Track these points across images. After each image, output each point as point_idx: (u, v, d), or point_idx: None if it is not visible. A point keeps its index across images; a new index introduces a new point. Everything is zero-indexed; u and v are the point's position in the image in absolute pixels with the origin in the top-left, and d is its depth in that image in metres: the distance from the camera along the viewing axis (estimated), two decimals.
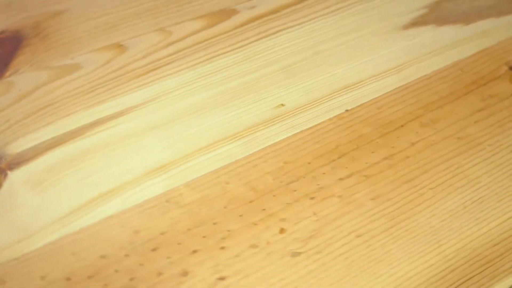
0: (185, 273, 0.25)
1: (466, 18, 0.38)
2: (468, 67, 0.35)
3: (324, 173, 0.29)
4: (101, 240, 0.25)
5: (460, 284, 0.26)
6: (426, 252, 0.26)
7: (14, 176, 0.28)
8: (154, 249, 0.26)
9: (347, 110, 0.32)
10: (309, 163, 0.30)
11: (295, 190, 0.28)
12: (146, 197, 0.27)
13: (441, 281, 0.26)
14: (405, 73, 0.34)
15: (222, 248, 0.26)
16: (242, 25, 0.36)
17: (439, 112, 0.33)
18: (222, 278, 0.25)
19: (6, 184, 0.27)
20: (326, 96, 0.33)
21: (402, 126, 0.32)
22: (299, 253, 0.26)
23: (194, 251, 0.26)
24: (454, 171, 0.30)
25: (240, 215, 0.27)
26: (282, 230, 0.27)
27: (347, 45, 0.37)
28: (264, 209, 0.28)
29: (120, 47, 0.34)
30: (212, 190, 0.28)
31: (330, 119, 0.32)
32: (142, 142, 0.30)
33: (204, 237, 0.27)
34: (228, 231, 0.27)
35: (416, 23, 0.38)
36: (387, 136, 0.31)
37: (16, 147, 0.29)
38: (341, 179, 0.29)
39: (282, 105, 0.32)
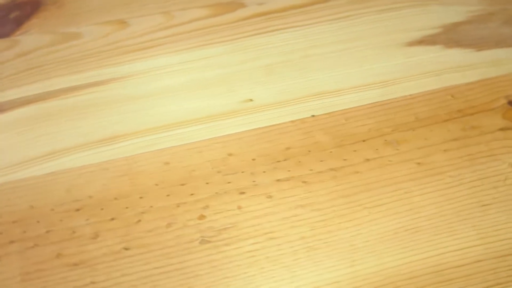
0: (95, 236, 0.27)
1: (481, 44, 0.38)
2: (460, 94, 0.33)
3: (264, 172, 0.29)
4: (36, 192, 0.28)
5: None
6: (336, 269, 0.26)
7: None
8: (77, 209, 0.28)
9: (313, 116, 0.32)
10: (253, 159, 0.30)
11: (229, 182, 0.29)
12: (90, 161, 0.31)
13: None
14: (389, 90, 0.33)
15: (138, 221, 0.27)
16: (244, 19, 0.42)
17: (409, 134, 0.34)
18: (127, 248, 0.27)
19: None
20: (297, 99, 0.33)
21: (364, 141, 0.31)
22: (208, 242, 0.26)
23: (112, 219, 0.28)
24: (400, 195, 0.29)
25: (168, 195, 0.28)
26: (201, 217, 0.27)
27: (339, 53, 0.39)
28: (192, 194, 0.29)
29: (123, 24, 0.38)
30: (151, 167, 0.30)
31: (292, 121, 0.32)
32: (107, 112, 0.34)
33: (126, 208, 0.28)
34: (151, 207, 0.28)
35: (423, 41, 0.37)
36: (343, 147, 0.30)
37: (0, 97, 0.33)
38: (278, 180, 0.29)
39: (251, 100, 0.33)
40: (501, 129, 0.33)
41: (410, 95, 0.35)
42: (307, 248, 0.28)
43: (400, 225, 0.28)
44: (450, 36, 0.40)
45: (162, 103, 0.35)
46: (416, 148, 0.32)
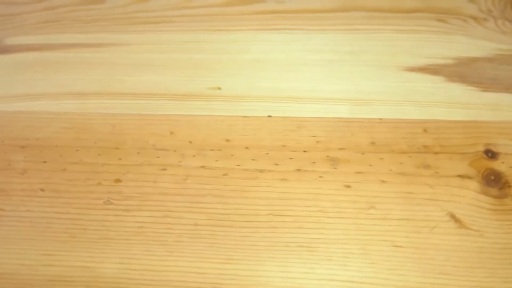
0: (24, 172, 0.34)
1: (488, 84, 0.37)
2: (436, 130, 0.32)
3: (193, 156, 0.31)
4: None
5: None
6: (210, 261, 0.30)
7: None
8: (22, 147, 0.34)
9: (269, 116, 0.32)
10: (190, 142, 0.33)
11: (157, 157, 0.31)
12: (53, 110, 0.38)
13: None
14: (362, 109, 0.34)
15: (64, 169, 0.32)
16: (256, 13, 0.45)
17: (355, 156, 0.34)
18: (42, 190, 0.33)
19: None
20: (264, 97, 0.35)
21: (305, 151, 0.31)
22: (111, 203, 0.29)
23: (44, 162, 0.32)
24: (312, 212, 0.29)
25: (99, 154, 0.32)
26: (117, 180, 0.30)
27: (334, 63, 0.40)
28: (120, 159, 0.32)
29: None
30: (99, 127, 0.37)
31: (245, 117, 0.33)
32: (90, 71, 0.41)
33: (60, 155, 0.33)
34: (80, 160, 0.32)
35: (426, 69, 0.36)
36: (281, 152, 0.32)
37: (12, 41, 0.39)
38: (202, 166, 0.30)
39: (219, 88, 0.34)
40: (460, 176, 0.30)
41: (381, 119, 0.34)
42: (194, 234, 0.28)
43: (293, 239, 0.27)
44: (458, 70, 0.37)
45: (140, 74, 0.38)
46: (353, 171, 0.31)
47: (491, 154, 0.33)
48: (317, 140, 0.35)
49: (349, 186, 0.32)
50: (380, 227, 0.29)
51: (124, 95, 0.39)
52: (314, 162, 0.33)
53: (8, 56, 0.42)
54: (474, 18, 0.44)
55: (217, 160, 0.34)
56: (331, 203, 0.31)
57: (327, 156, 0.33)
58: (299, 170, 0.33)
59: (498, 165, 0.32)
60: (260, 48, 0.41)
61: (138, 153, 0.35)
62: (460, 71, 0.39)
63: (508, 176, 0.32)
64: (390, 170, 0.32)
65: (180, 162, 0.34)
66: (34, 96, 0.39)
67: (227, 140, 0.35)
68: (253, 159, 0.34)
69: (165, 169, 0.34)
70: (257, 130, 0.36)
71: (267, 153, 0.34)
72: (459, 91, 0.37)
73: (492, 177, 0.32)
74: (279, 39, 0.42)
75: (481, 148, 0.33)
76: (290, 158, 0.34)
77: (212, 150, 0.35)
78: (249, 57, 0.41)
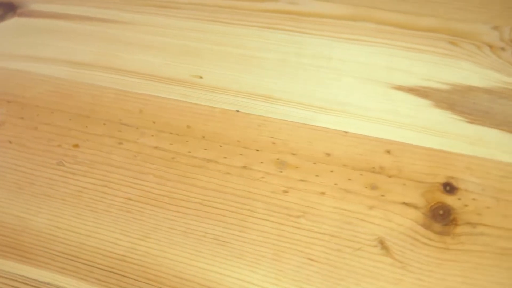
0: (1, 124, 0.35)
1: (478, 117, 0.37)
2: (399, 153, 0.32)
3: (152, 136, 0.34)
4: None
5: None
6: (114, 238, 0.33)
7: (16, 20, 0.42)
8: (8, 101, 0.39)
9: (237, 111, 0.34)
10: (153, 122, 0.35)
11: (119, 131, 0.34)
12: (44, 72, 0.42)
13: None
14: (329, 119, 0.37)
15: (35, 128, 0.36)
16: (265, 11, 0.47)
17: (305, 165, 0.34)
18: (10, 142, 0.38)
19: (6, 22, 0.42)
20: (239, 92, 0.38)
21: (257, 150, 0.33)
22: (63, 165, 0.33)
23: (21, 118, 0.36)
24: (232, 208, 0.33)
25: (70, 119, 0.36)
26: (76, 145, 0.34)
27: (323, 69, 0.41)
28: (87, 127, 0.35)
29: None
30: (80, 95, 0.41)
31: (213, 107, 0.36)
32: (89, 43, 0.44)
33: (37, 115, 0.38)
34: (52, 122, 0.36)
35: (416, 91, 0.36)
36: (234, 147, 0.33)
37: (37, 7, 0.44)
38: (156, 147, 0.33)
39: (200, 77, 0.37)
40: (405, 204, 0.30)
41: (346, 132, 0.34)
42: (123, 208, 0.30)
43: (212, 231, 0.28)
44: (451, 96, 0.36)
45: (134, 52, 0.42)
46: (297, 178, 0.32)
47: (449, 188, 0.31)
48: (273, 142, 0.35)
49: (286, 192, 0.32)
50: (301, 237, 0.29)
51: (113, 70, 0.42)
52: (262, 162, 0.34)
53: (28, 20, 0.47)
54: (491, 46, 0.42)
55: (171, 144, 0.36)
56: (262, 204, 0.31)
57: (277, 159, 0.34)
58: (244, 167, 0.34)
59: (452, 201, 0.31)
60: (255, 45, 0.43)
61: (104, 124, 0.38)
62: (451, 98, 0.37)
63: (459, 214, 0.30)
64: (335, 184, 0.32)
65: (138, 139, 0.36)
66: (35, 59, 0.43)
67: (188, 127, 0.37)
68: (205, 149, 0.35)
69: (121, 143, 0.36)
70: (219, 122, 0.37)
71: (220, 146, 0.35)
72: (442, 118, 0.36)
73: (441, 212, 0.30)
74: (277, 39, 0.43)
75: (441, 180, 0.32)
76: (241, 154, 0.34)
77: (170, 133, 0.36)
78: (241, 52, 0.42)
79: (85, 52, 0.45)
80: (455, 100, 0.38)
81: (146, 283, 0.29)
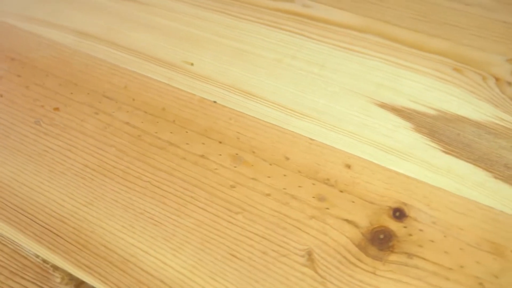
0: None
1: (456, 148, 0.36)
2: (359, 169, 0.33)
3: (119, 107, 0.36)
4: (4, 36, 0.41)
5: None
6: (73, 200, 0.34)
7: None
8: (12, 59, 0.43)
9: (214, 102, 0.36)
10: (133, 99, 0.37)
11: (99, 102, 0.37)
12: (52, 38, 0.46)
13: None
14: (300, 123, 0.38)
15: (27, 87, 0.38)
16: (277, 10, 0.49)
17: (261, 164, 0.35)
18: (1, 96, 0.41)
19: None
20: (223, 84, 0.40)
21: (220, 142, 0.34)
22: (39, 125, 0.36)
23: (18, 75, 0.39)
24: (179, 194, 0.34)
25: (60, 84, 0.39)
26: (56, 109, 0.36)
27: (308, 74, 0.41)
28: (72, 93, 0.38)
29: None
30: (76, 64, 0.44)
31: (193, 95, 0.38)
32: (100, 16, 0.47)
33: (33, 76, 0.39)
34: (44, 84, 0.39)
35: (400, 111, 0.37)
36: (195, 135, 0.35)
37: None
38: (127, 123, 0.35)
39: (192, 64, 0.39)
40: (347, 221, 0.30)
41: (312, 139, 0.34)
42: (78, 173, 0.33)
43: (150, 210, 0.30)
44: (434, 123, 0.36)
45: (138, 31, 0.46)
46: (248, 176, 0.33)
47: (398, 214, 0.31)
48: (238, 137, 0.36)
49: (234, 187, 0.32)
50: (232, 233, 0.30)
51: (113, 45, 0.44)
52: (220, 155, 0.34)
53: None
54: (497, 79, 0.40)
55: (142, 122, 0.37)
56: (206, 194, 0.32)
57: (236, 154, 0.34)
58: (202, 156, 0.34)
59: (397, 227, 0.30)
60: (255, 42, 0.44)
61: (88, 94, 0.40)
62: (435, 125, 0.36)
63: (399, 242, 0.29)
64: (284, 188, 0.32)
65: (113, 112, 0.38)
66: (47, 24, 0.47)
67: (163, 109, 0.38)
68: (171, 132, 0.36)
69: (97, 114, 0.38)
70: (193, 109, 0.38)
71: (186, 132, 0.36)
72: (416, 143, 0.35)
73: (381, 236, 0.30)
74: (279, 39, 0.44)
75: (393, 204, 0.31)
76: (203, 143, 0.35)
77: (145, 112, 0.38)
78: (239, 47, 0.43)
79: (93, 25, 0.47)
80: (438, 127, 0.36)
81: (75, 246, 0.31)
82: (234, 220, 0.32)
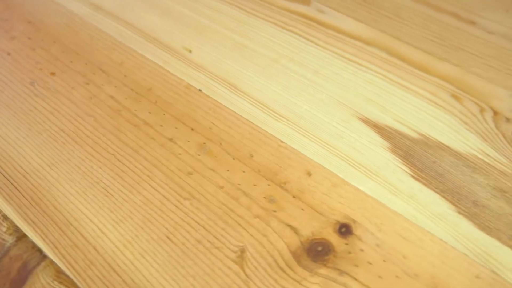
0: (12, 38, 0.44)
1: (427, 176, 0.35)
2: (318, 178, 0.35)
3: (115, 86, 0.38)
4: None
5: None
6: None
7: None
8: (29, 22, 0.43)
9: (200, 90, 0.37)
10: (124, 76, 0.39)
11: (93, 74, 0.40)
12: (72, 9, 0.48)
13: None
14: (275, 124, 0.40)
15: (33, 49, 0.41)
16: (290, 11, 0.49)
17: (223, 156, 0.36)
18: (9, 54, 0.44)
19: None
20: (214, 75, 0.42)
21: (192, 129, 0.35)
22: (33, 86, 0.38)
23: (29, 38, 0.41)
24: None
25: (63, 51, 0.41)
26: (53, 73, 0.39)
27: (301, 78, 0.42)
28: (71, 62, 0.40)
29: None
30: (83, 34, 0.46)
31: (181, 80, 0.40)
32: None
33: (42, 40, 0.42)
34: (49, 50, 0.41)
35: (380, 129, 0.37)
36: (169, 116, 0.36)
37: None
38: (111, 97, 0.37)
39: (190, 51, 0.41)
40: (290, 226, 0.30)
41: (282, 141, 0.35)
42: (52, 135, 0.36)
43: (107, 181, 0.32)
44: (413, 147, 0.36)
45: (149, 12, 0.50)
46: (208, 166, 0.34)
47: (344, 230, 0.30)
48: (211, 127, 0.36)
49: (191, 174, 0.33)
50: (174, 217, 0.31)
51: (123, 22, 0.46)
52: (188, 141, 0.35)
53: None
54: (496, 113, 0.38)
55: (125, 98, 0.39)
56: (163, 176, 0.33)
57: (203, 143, 0.35)
58: (171, 139, 0.36)
59: (339, 243, 0.30)
60: (259, 39, 0.44)
61: (86, 64, 0.42)
62: (412, 149, 0.35)
63: (336, 258, 0.29)
64: (239, 184, 0.33)
65: (102, 85, 0.40)
66: None
67: (149, 89, 0.40)
68: (149, 112, 0.38)
69: (87, 84, 0.40)
70: (177, 94, 0.39)
71: (164, 114, 0.37)
72: (387, 163, 0.34)
73: (320, 248, 0.29)
74: (283, 39, 0.45)
75: (342, 219, 0.31)
76: (175, 128, 0.36)
77: (131, 89, 0.40)
78: (241, 42, 0.44)
79: (109, 0, 0.50)
80: (414, 152, 0.35)
81: (28, 201, 0.33)
82: (181, 205, 0.32)
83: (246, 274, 0.29)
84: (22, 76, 0.42)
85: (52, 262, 0.30)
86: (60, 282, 0.29)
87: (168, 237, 0.31)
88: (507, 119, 0.39)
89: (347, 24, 0.47)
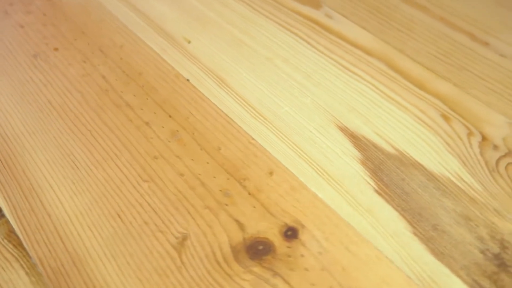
0: (29, 13, 0.45)
1: (392, 192, 0.34)
2: (278, 179, 0.35)
3: (104, 61, 0.40)
4: None
5: None
6: None
7: None
8: (45, 14, 0.47)
9: (187, 80, 0.39)
10: (121, 58, 0.41)
11: (92, 53, 0.42)
12: None
13: None
14: (252, 122, 0.41)
15: (45, 25, 0.43)
16: (298, 13, 0.50)
17: (192, 144, 0.37)
18: (22, 26, 0.47)
19: None
20: (206, 67, 0.43)
21: (170, 116, 0.37)
22: (36, 59, 0.40)
23: (44, 14, 0.44)
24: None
25: (71, 29, 0.43)
26: (56, 49, 0.41)
27: (289, 79, 0.42)
28: (75, 40, 0.42)
29: None
30: (95, 15, 0.48)
31: (173, 68, 0.41)
32: None
33: (56, 17, 0.44)
34: (59, 24, 0.43)
35: (356, 139, 0.38)
36: (151, 101, 0.37)
37: None
38: (97, 67, 0.39)
39: (189, 42, 0.43)
40: (237, 222, 0.31)
41: (253, 138, 0.36)
42: (40, 106, 0.38)
43: (79, 157, 0.34)
44: (385, 161, 0.36)
45: (161, 2, 0.48)
46: (174, 152, 0.36)
47: (290, 233, 0.31)
48: (188, 117, 0.38)
49: (156, 158, 0.35)
50: (130, 196, 0.33)
51: (133, 8, 0.49)
52: (163, 127, 0.37)
53: None
54: (484, 139, 0.37)
55: (116, 80, 0.41)
56: (129, 157, 0.35)
57: (177, 131, 0.36)
58: (147, 123, 0.37)
59: (281, 245, 0.30)
60: (259, 37, 0.45)
61: (88, 44, 0.44)
62: (384, 163, 0.35)
63: (274, 259, 0.29)
64: (199, 174, 0.34)
65: (98, 65, 0.42)
66: None
67: (140, 74, 0.41)
68: (134, 95, 0.39)
69: (84, 62, 0.43)
70: (165, 81, 0.41)
71: (147, 99, 0.39)
72: (353, 174, 0.34)
73: (261, 247, 0.30)
74: (283, 40, 0.45)
75: (290, 222, 0.31)
76: (154, 113, 0.38)
77: (123, 72, 0.41)
78: (241, 38, 0.45)
79: None
80: (386, 167, 0.35)
81: (2, 163, 0.35)
82: (139, 186, 0.34)
83: (181, 261, 0.30)
84: (28, 48, 0.45)
85: (7, 221, 0.33)
86: (9, 241, 0.31)
87: (118, 215, 0.32)
88: (495, 147, 0.37)
89: (352, 32, 0.47)
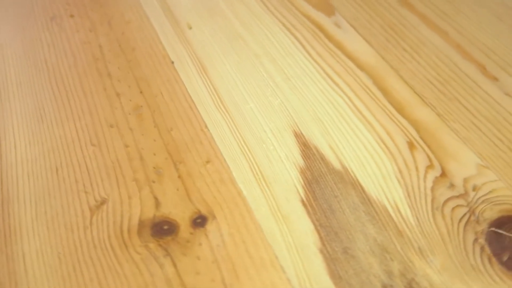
0: None
1: (319, 208, 0.34)
2: (212, 172, 0.36)
3: (107, 34, 0.44)
4: None
5: None
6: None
7: None
8: None
9: (172, 62, 0.42)
10: (122, 33, 0.44)
11: (101, 25, 0.46)
12: None
13: None
14: (213, 113, 0.40)
15: (67, 3, 0.48)
16: (307, 17, 0.50)
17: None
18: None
19: None
20: (195, 53, 0.46)
21: (140, 92, 0.40)
22: (51, 21, 0.45)
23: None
24: (75, 113, 0.39)
25: (93, 0, 0.47)
26: (72, 15, 0.46)
27: (268, 79, 0.42)
28: (92, 10, 0.46)
29: None
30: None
31: (165, 50, 0.43)
32: None
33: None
34: (83, 2, 0.48)
35: (307, 148, 0.40)
36: (133, 82, 0.41)
37: None
38: (99, 41, 0.43)
39: (190, 28, 0.45)
40: (156, 200, 0.33)
41: (207, 127, 0.38)
42: (38, 66, 0.41)
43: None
44: (326, 176, 0.37)
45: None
46: (128, 126, 0.39)
47: (199, 221, 0.32)
48: (157, 95, 0.40)
49: (111, 127, 0.37)
50: (73, 156, 0.36)
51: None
52: (130, 100, 0.40)
53: None
54: (443, 175, 0.35)
55: (109, 51, 0.44)
56: (90, 120, 0.38)
57: (141, 106, 0.39)
58: (118, 94, 0.40)
59: (185, 230, 0.31)
60: (257, 33, 0.47)
61: (101, 16, 0.49)
62: (323, 177, 0.35)
63: (172, 241, 0.31)
64: (142, 148, 0.36)
65: (101, 36, 0.46)
66: None
67: (133, 49, 0.44)
68: (118, 67, 0.43)
69: (91, 31, 0.47)
70: (151, 60, 0.44)
71: (128, 73, 0.42)
72: (286, 180, 0.35)
73: (166, 227, 0.31)
74: (281, 41, 0.46)
75: (204, 211, 0.33)
76: (129, 86, 0.41)
77: (119, 45, 0.45)
78: (240, 31, 0.47)
79: None
80: (323, 180, 0.34)
81: None
82: (85, 149, 0.36)
83: (90, 222, 0.32)
84: (48, 10, 0.50)
85: None
86: None
87: (57, 169, 0.35)
88: (451, 185, 0.35)
89: (354, 44, 0.46)
